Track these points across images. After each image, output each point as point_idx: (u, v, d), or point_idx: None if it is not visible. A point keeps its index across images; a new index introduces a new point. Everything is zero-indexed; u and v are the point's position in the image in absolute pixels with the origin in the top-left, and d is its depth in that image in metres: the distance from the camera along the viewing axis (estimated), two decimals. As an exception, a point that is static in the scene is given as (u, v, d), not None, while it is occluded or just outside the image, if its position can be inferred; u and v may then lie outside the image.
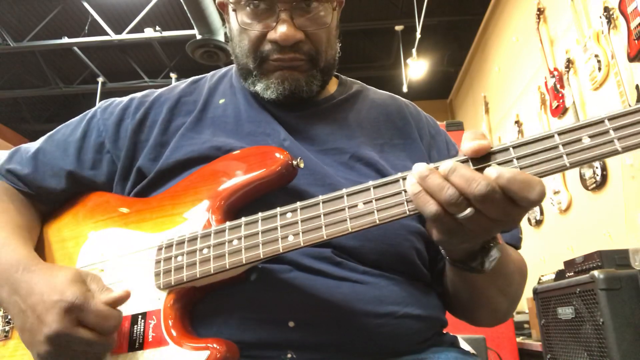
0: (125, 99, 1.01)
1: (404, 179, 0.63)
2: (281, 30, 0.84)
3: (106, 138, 0.94)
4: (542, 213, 3.99)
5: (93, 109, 1.01)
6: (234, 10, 0.90)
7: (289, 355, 0.72)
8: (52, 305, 0.67)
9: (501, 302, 0.84)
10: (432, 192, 0.58)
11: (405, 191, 0.62)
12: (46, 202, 0.97)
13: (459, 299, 0.87)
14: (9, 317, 0.87)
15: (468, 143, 0.60)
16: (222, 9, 0.97)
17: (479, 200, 0.56)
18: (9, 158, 0.98)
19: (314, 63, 0.90)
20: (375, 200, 0.63)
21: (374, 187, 0.64)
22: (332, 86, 1.02)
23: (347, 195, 0.65)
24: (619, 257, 2.02)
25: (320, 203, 0.66)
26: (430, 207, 0.59)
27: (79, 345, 0.68)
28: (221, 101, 0.96)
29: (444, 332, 0.89)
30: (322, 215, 0.65)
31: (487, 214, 0.58)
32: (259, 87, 0.90)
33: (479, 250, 0.69)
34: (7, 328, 0.87)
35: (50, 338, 0.67)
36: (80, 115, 1.01)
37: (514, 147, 0.59)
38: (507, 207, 0.57)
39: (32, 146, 0.99)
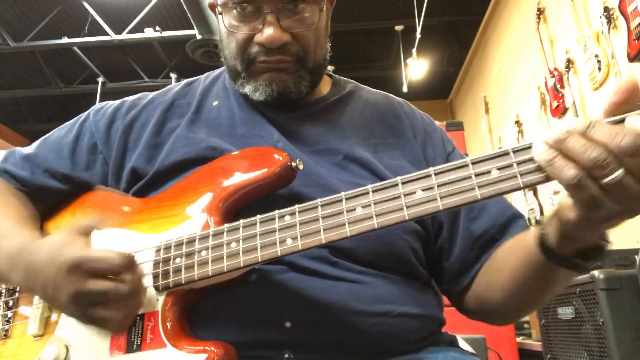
0: (117, 101, 1.02)
1: (403, 182, 0.62)
2: (267, 32, 0.84)
3: (98, 139, 0.96)
4: (542, 213, 3.99)
5: (86, 112, 1.02)
6: (221, 13, 0.89)
7: (286, 356, 0.72)
8: (57, 271, 0.69)
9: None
10: (574, 155, 0.52)
11: (406, 195, 0.61)
12: (43, 200, 0.97)
13: (514, 298, 0.82)
14: (9, 316, 0.88)
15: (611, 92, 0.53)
16: (212, 11, 0.97)
17: (628, 155, 0.50)
18: (4, 160, 0.99)
19: (302, 64, 0.89)
20: (374, 204, 0.63)
21: (373, 191, 0.63)
22: (326, 86, 1.02)
23: (346, 199, 0.64)
24: (619, 257, 2.02)
25: (319, 206, 0.66)
26: (571, 171, 0.53)
27: (98, 297, 0.68)
28: (215, 103, 0.97)
29: (442, 331, 0.89)
30: (320, 219, 0.65)
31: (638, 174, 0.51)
32: (247, 89, 0.90)
33: (590, 248, 0.65)
34: (7, 327, 0.87)
35: (71, 300, 0.68)
36: (74, 118, 1.03)
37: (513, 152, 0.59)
38: None
39: (26, 150, 1.00)
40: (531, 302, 0.84)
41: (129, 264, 0.70)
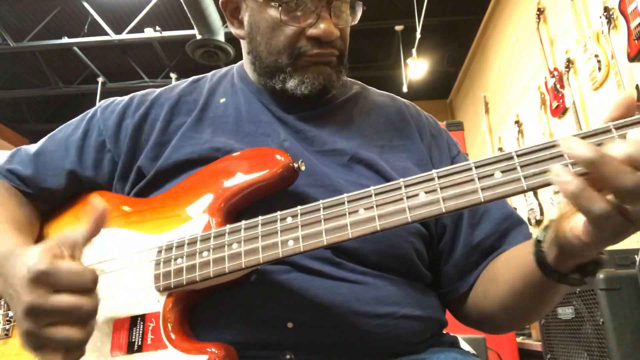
0: (125, 98, 1.01)
1: (406, 185, 0.61)
2: (325, 26, 0.86)
3: (107, 137, 0.94)
4: (542, 213, 3.99)
5: (93, 109, 1.01)
6: (263, 7, 0.89)
7: (288, 356, 0.72)
8: (22, 279, 0.63)
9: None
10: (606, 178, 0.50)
11: (408, 197, 0.61)
12: (46, 201, 0.97)
13: (509, 311, 0.81)
14: (10, 315, 0.87)
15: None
16: (224, 8, 0.96)
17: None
18: (10, 158, 0.97)
19: (341, 59, 0.92)
20: (377, 206, 0.62)
21: (375, 193, 0.63)
22: None
23: (348, 201, 0.64)
24: (619, 257, 2.02)
25: (321, 208, 0.65)
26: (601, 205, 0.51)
27: (58, 315, 0.62)
28: (222, 100, 0.96)
29: (444, 332, 0.89)
30: (322, 221, 0.65)
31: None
32: (291, 84, 0.90)
33: (589, 262, 0.62)
34: (7, 327, 0.87)
35: (25, 313, 0.62)
36: (81, 115, 1.01)
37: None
38: None
39: (32, 147, 0.99)
40: (527, 315, 0.84)
41: (96, 281, 0.64)
